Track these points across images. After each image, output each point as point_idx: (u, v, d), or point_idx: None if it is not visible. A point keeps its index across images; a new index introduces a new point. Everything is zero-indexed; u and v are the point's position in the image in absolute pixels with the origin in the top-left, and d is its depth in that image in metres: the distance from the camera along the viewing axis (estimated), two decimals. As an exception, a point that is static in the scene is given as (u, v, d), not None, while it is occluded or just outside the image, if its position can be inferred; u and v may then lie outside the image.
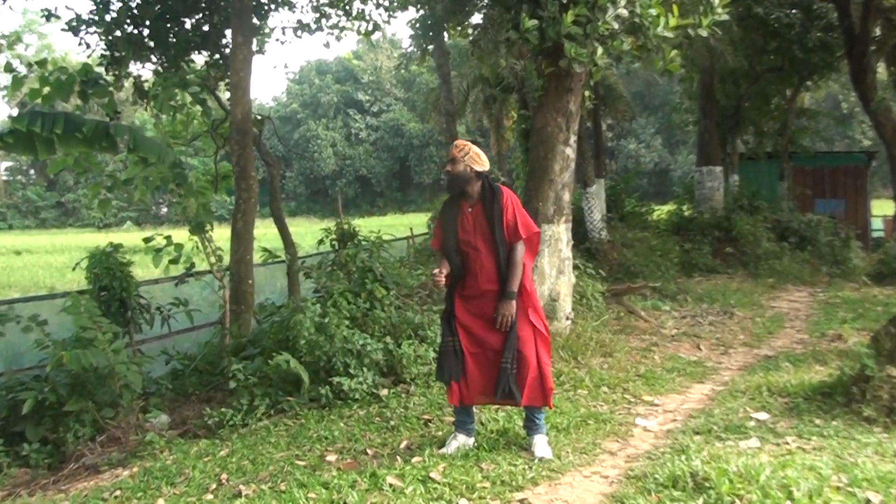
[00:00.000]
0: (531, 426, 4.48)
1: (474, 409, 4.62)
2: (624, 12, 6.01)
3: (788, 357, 7.04)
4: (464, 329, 4.35)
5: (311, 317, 6.08)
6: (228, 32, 9.18)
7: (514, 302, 4.24)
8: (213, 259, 8.41)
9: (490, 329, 4.30)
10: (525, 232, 4.32)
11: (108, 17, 8.86)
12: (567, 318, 7.43)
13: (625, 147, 60.28)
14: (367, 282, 6.81)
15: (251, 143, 8.32)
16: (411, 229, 18.49)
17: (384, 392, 5.92)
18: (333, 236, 8.31)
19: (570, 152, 7.38)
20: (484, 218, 4.31)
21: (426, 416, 5.29)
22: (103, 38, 8.89)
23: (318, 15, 10.33)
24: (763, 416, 5.00)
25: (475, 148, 4.39)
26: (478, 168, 4.32)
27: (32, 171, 58.09)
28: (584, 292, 8.54)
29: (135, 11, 8.81)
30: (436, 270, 4.30)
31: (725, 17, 6.34)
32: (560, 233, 7.39)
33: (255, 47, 8.49)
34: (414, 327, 6.65)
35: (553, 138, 7.26)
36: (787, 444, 4.33)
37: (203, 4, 9.11)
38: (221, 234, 9.62)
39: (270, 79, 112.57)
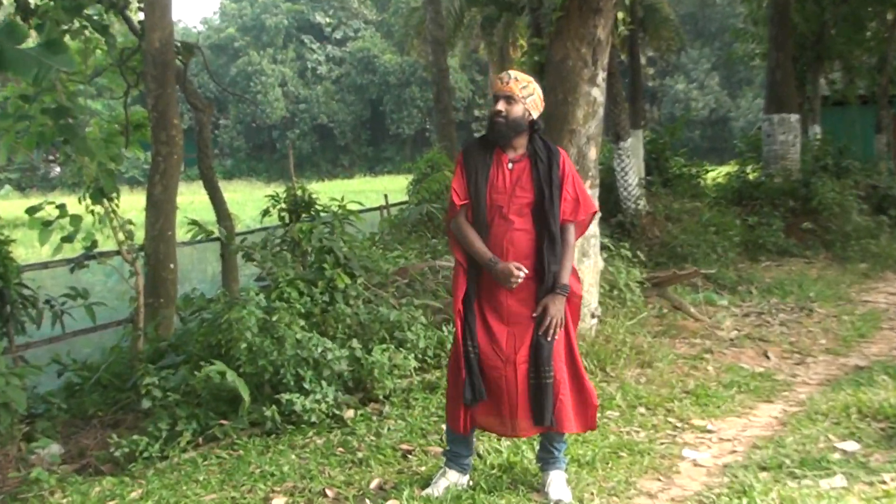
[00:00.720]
0: (547, 459, 4.51)
1: (473, 439, 4.65)
2: None
3: (886, 368, 7.09)
4: (485, 330, 4.43)
5: (254, 312, 6.12)
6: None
7: (564, 300, 4.35)
8: (121, 236, 8.35)
9: (513, 329, 4.38)
10: (585, 212, 4.48)
11: None
12: (593, 316, 7.49)
13: (671, 88, 60.51)
14: (326, 267, 6.89)
15: (173, 81, 8.30)
16: (386, 197, 18.54)
17: (349, 414, 5.96)
18: (283, 206, 8.39)
19: (598, 94, 7.43)
20: (530, 181, 4.41)
21: (405, 446, 5.31)
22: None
23: None
24: (851, 446, 5.04)
25: (539, 88, 4.49)
26: (535, 115, 4.45)
27: None
28: (616, 281, 8.61)
29: None
30: (514, 266, 4.31)
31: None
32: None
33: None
34: (389, 327, 6.73)
35: (575, 75, 7.32)
36: (884, 482, 4.37)
37: None
38: (133, 203, 9.63)
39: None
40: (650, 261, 11.56)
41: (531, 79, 4.46)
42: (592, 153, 7.50)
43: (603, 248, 8.85)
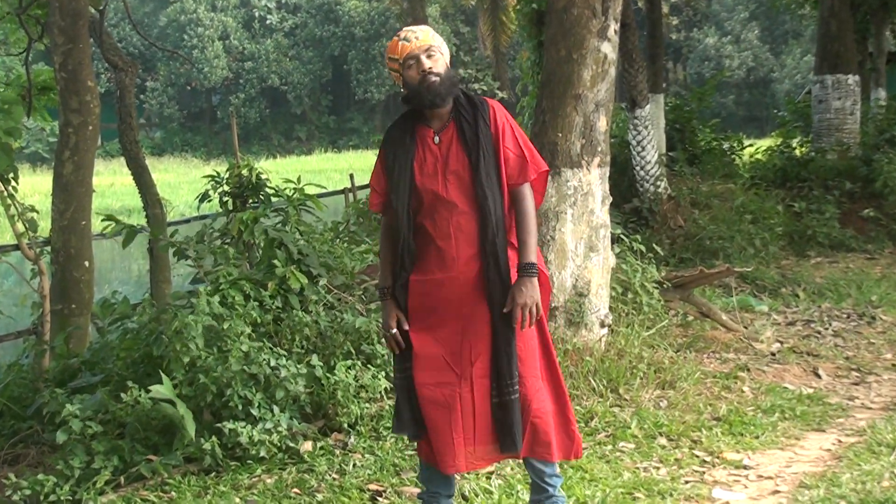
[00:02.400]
0: (542, 500, 4.49)
1: (455, 476, 4.62)
2: None
3: (965, 390, 7.18)
4: (429, 344, 4.43)
5: (199, 320, 6.11)
6: None
7: (536, 282, 4.37)
8: (21, 227, 8.37)
9: (473, 336, 4.38)
10: (535, 169, 4.52)
11: None
12: (602, 325, 7.53)
13: (699, 43, 60.79)
14: (277, 264, 6.90)
15: (86, 34, 8.25)
16: (352, 177, 18.49)
17: (307, 446, 5.96)
18: (225, 189, 8.42)
19: (609, 50, 7.53)
20: (462, 149, 4.46)
21: (374, 486, 5.32)
22: None
23: None
24: (920, 484, 5.11)
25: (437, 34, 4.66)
26: (447, 59, 4.57)
27: None
28: (630, 282, 8.63)
29: None
30: (390, 323, 4.46)
31: None
32: (592, 183, 7.54)
33: None
34: (355, 339, 6.72)
35: (581, 27, 7.41)
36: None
37: None
38: (37, 185, 9.62)
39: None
40: (672, 256, 11.61)
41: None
42: (602, 123, 7.55)
43: (614, 240, 8.86)
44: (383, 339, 4.41)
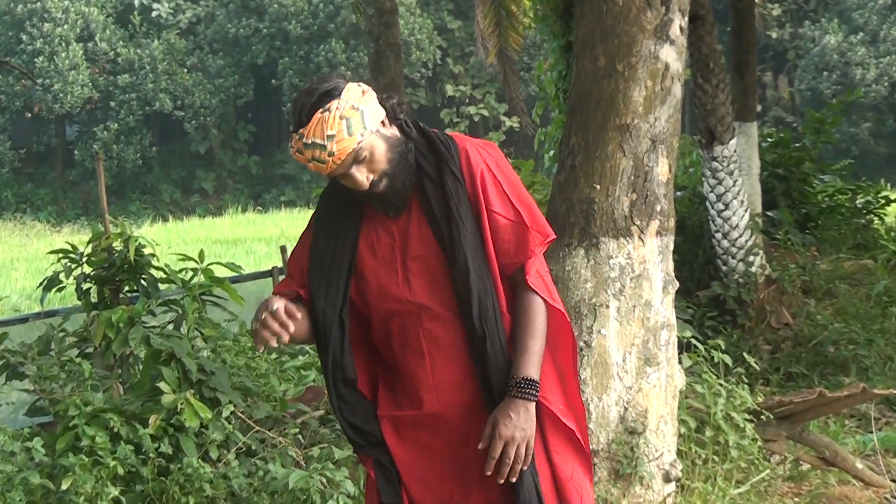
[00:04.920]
0: None
1: None
2: None
3: None
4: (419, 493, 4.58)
5: (29, 478, 6.07)
6: None
7: (532, 408, 4.43)
8: None
9: (468, 481, 4.49)
10: (540, 236, 4.56)
11: None
12: (667, 479, 7.51)
13: (814, 44, 60.63)
14: (164, 389, 6.90)
15: None
16: (283, 251, 18.26)
17: None
18: (85, 270, 8.46)
19: (673, 57, 7.48)
20: (426, 223, 4.53)
21: None
22: None
23: None
24: None
25: (346, 93, 4.37)
26: (384, 120, 4.44)
27: None
28: (709, 412, 8.50)
29: None
30: (273, 300, 4.41)
31: None
32: (647, 261, 7.50)
33: None
34: (288, 502, 6.72)
35: (629, 22, 7.38)
36: None
37: None
38: None
39: None
40: (775, 371, 11.62)
41: (319, 89, 4.36)
42: (662, 169, 7.49)
43: (683, 348, 8.90)
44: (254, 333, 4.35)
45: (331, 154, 4.23)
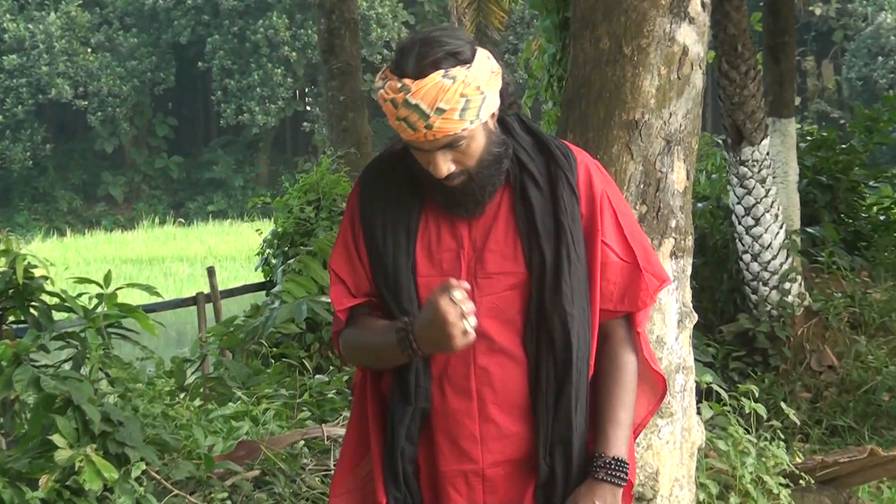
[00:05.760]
0: None
1: None
2: None
3: None
4: None
5: None
6: None
7: (619, 494, 4.45)
8: None
9: None
10: (655, 283, 4.59)
11: None
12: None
13: (866, 22, 61.22)
14: (59, 442, 6.93)
15: None
16: (212, 273, 18.74)
17: None
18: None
19: (693, 39, 7.26)
20: (517, 237, 4.45)
21: None
22: None
23: None
24: None
25: (478, 64, 4.24)
26: (496, 105, 4.34)
27: None
28: (735, 474, 8.50)
29: None
30: (454, 285, 4.19)
31: None
32: (664, 288, 7.34)
33: None
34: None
35: (639, -1, 6.96)
36: None
37: None
38: None
39: None
40: (815, 424, 11.59)
41: (462, 60, 4.21)
42: (678, 175, 7.27)
43: (703, 395, 8.81)
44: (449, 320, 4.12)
45: (428, 127, 4.16)
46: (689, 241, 7.54)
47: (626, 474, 4.36)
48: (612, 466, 4.31)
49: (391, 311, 4.40)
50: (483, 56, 4.22)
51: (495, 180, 4.37)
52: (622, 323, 4.45)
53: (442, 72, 4.14)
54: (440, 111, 4.15)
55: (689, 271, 7.56)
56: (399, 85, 4.15)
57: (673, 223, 7.35)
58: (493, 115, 4.32)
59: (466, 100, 4.16)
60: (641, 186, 7.28)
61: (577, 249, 4.36)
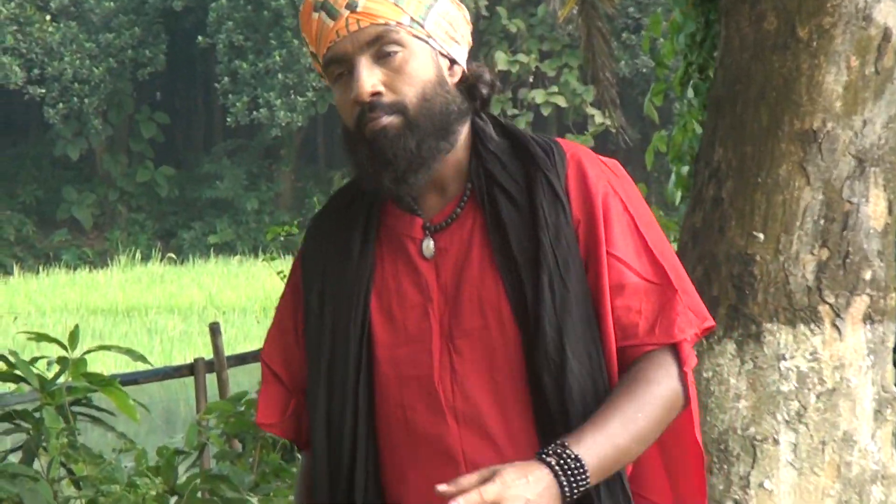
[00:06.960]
0: None
1: None
2: None
3: None
4: None
5: None
6: None
7: (555, 491, 3.83)
8: None
9: None
10: (694, 315, 3.91)
11: None
12: None
13: None
14: None
15: None
16: (214, 331, 18.09)
17: None
18: None
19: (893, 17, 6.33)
20: (496, 272, 3.90)
21: None
22: None
23: None
24: None
25: None
26: (459, 57, 3.96)
27: None
28: None
29: None
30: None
31: None
32: (848, 364, 6.55)
33: None
34: None
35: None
36: None
37: None
38: None
39: None
40: None
41: None
42: (876, 208, 6.45)
43: None
44: None
45: (351, 6, 3.75)
46: (892, 300, 6.62)
47: (578, 481, 3.63)
48: (568, 459, 3.62)
49: (312, 408, 3.98)
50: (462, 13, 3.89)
51: (440, 145, 3.84)
52: (663, 351, 3.78)
53: None
54: None
55: (891, 342, 6.62)
56: None
57: (867, 275, 6.54)
58: (452, 61, 3.86)
59: None
60: (822, 223, 6.51)
61: (566, 274, 3.83)
